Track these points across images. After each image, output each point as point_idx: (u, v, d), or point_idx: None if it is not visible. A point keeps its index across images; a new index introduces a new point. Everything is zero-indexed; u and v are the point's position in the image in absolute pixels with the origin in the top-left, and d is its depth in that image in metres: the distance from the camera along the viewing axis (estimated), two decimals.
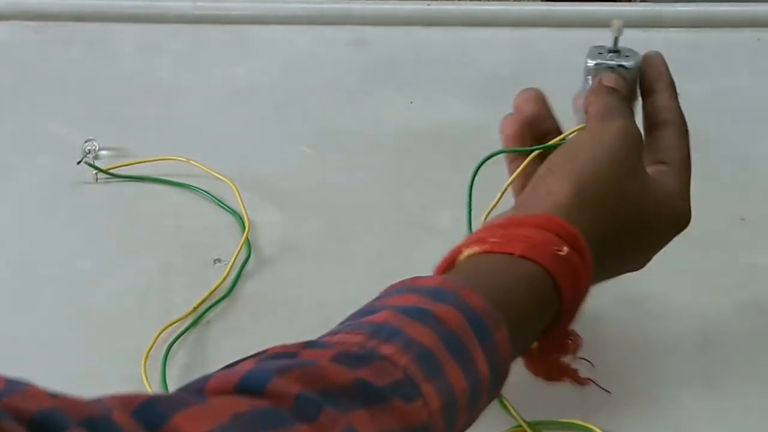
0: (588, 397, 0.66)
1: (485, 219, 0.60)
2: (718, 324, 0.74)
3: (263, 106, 0.98)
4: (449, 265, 0.53)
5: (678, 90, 0.63)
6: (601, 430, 0.64)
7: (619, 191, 0.55)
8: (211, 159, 0.86)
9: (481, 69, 1.04)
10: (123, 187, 0.87)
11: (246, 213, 0.81)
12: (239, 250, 0.78)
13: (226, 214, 0.83)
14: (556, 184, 0.54)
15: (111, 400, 0.36)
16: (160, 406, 0.36)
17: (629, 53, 0.62)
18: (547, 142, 0.61)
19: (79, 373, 0.69)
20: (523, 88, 0.63)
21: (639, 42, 0.64)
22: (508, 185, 0.61)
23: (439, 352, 0.44)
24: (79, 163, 0.86)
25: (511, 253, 0.50)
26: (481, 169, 0.61)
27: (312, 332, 0.46)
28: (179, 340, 0.71)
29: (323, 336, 0.45)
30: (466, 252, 0.52)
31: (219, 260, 0.78)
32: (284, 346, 0.43)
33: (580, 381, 0.56)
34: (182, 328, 0.72)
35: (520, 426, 0.64)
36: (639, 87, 0.63)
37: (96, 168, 0.86)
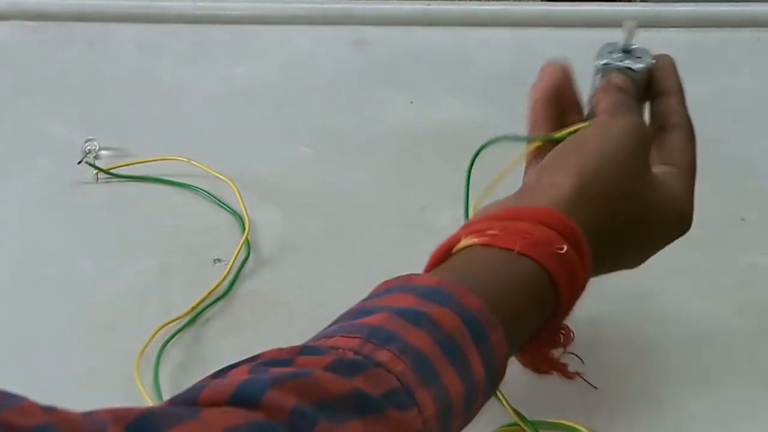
0: (588, 396, 0.66)
1: (481, 202, 0.59)
2: (718, 324, 0.74)
3: (263, 106, 0.98)
4: (446, 253, 0.52)
5: None
6: (588, 430, 0.64)
7: (623, 188, 0.54)
8: (212, 159, 0.86)
9: (481, 69, 1.04)
10: (123, 187, 0.87)
11: (246, 213, 0.81)
12: (239, 250, 0.78)
13: (226, 214, 0.83)
14: (559, 176, 0.54)
15: (105, 413, 0.36)
16: (154, 420, 0.36)
17: (641, 54, 0.62)
18: (565, 117, 0.60)
19: (79, 372, 0.69)
20: (550, 61, 0.62)
21: (639, 42, 0.64)
22: (503, 175, 0.60)
23: (434, 357, 0.43)
24: (79, 163, 0.87)
25: (510, 249, 0.50)
26: (482, 166, 0.60)
27: (310, 332, 0.46)
28: (175, 339, 0.71)
29: (319, 337, 0.45)
30: (464, 242, 0.52)
31: (219, 260, 0.78)
32: (279, 351, 0.42)
33: (568, 375, 0.56)
34: (178, 327, 0.72)
35: (515, 425, 0.63)
36: (648, 88, 0.62)
37: (96, 168, 0.86)
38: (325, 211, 0.84)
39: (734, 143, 0.91)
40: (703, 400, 0.68)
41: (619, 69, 0.61)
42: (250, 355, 0.43)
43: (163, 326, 0.71)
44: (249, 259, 0.78)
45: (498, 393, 0.62)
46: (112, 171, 0.87)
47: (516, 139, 0.60)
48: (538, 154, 0.59)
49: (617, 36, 0.63)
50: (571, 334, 0.54)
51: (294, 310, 0.74)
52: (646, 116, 0.63)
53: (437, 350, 0.44)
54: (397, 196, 0.86)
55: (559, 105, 0.60)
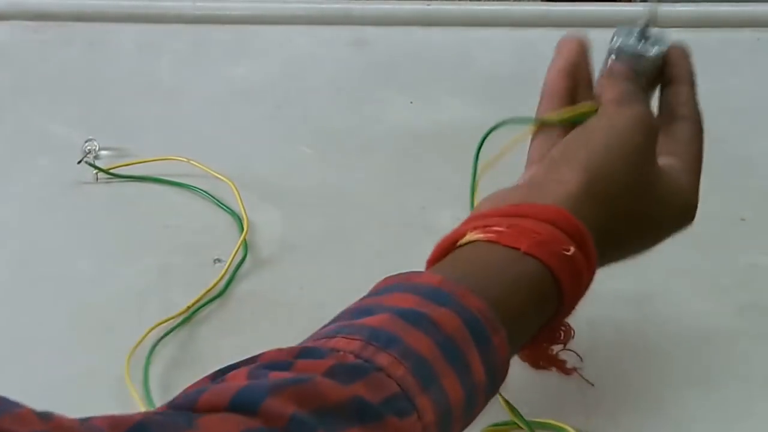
0: (588, 396, 0.67)
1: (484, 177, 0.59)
2: (718, 324, 0.74)
3: (263, 106, 0.98)
4: (450, 246, 0.52)
5: None
6: (575, 430, 0.64)
7: (629, 183, 0.54)
8: (212, 159, 0.86)
9: (481, 69, 1.04)
10: (123, 187, 0.87)
11: (245, 213, 0.81)
12: (236, 250, 0.78)
13: (225, 214, 0.83)
14: (567, 173, 0.53)
15: (101, 420, 0.35)
16: (150, 429, 0.35)
17: (657, 39, 0.61)
18: (578, 92, 0.60)
19: (79, 372, 0.69)
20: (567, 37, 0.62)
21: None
22: (505, 152, 0.59)
23: (435, 361, 0.43)
24: (79, 162, 0.87)
25: (516, 248, 0.49)
26: (487, 154, 0.60)
27: (309, 333, 0.46)
28: (169, 338, 0.71)
29: (319, 337, 0.44)
30: (469, 237, 0.51)
31: (219, 260, 0.78)
32: (279, 352, 0.42)
33: (566, 371, 0.56)
34: (171, 327, 0.72)
35: (509, 423, 0.63)
36: (659, 75, 0.61)
37: (96, 168, 0.86)
38: (325, 211, 0.84)
39: (734, 143, 0.91)
40: (703, 400, 0.68)
41: (632, 53, 0.60)
42: (246, 356, 0.43)
43: (156, 326, 0.71)
44: (246, 259, 0.78)
45: (501, 396, 0.62)
46: (112, 171, 0.87)
47: (524, 121, 0.59)
48: (542, 132, 0.59)
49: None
50: (571, 331, 0.54)
51: (293, 310, 0.74)
52: (654, 102, 0.62)
53: (438, 353, 0.43)
54: (397, 196, 0.86)
55: (574, 80, 0.60)
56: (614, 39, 0.61)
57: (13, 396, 0.65)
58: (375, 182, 0.88)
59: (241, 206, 0.82)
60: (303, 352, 0.42)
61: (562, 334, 0.54)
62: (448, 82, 1.02)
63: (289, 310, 0.74)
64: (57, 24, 1.08)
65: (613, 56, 0.61)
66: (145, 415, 0.36)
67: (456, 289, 0.46)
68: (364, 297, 0.48)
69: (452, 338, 0.44)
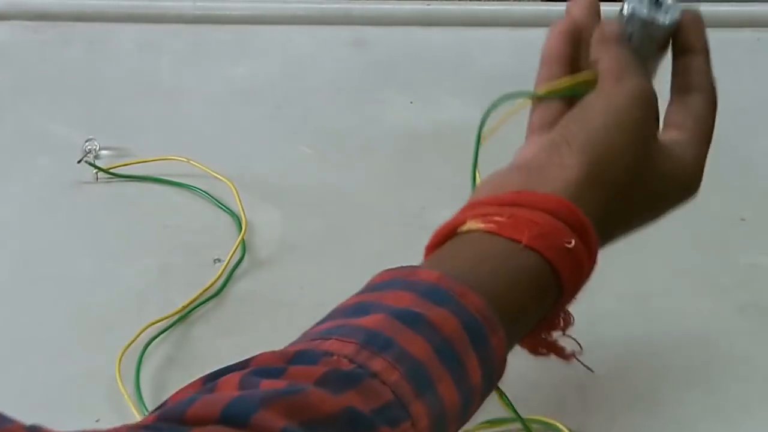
0: (588, 396, 0.67)
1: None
2: (718, 324, 0.74)
3: (263, 106, 0.98)
4: (449, 233, 0.51)
5: None
6: (567, 428, 0.64)
7: (630, 163, 0.53)
8: (211, 159, 0.86)
9: (481, 69, 1.04)
10: (123, 186, 0.87)
11: (244, 213, 0.81)
12: (234, 251, 0.78)
13: (225, 214, 0.83)
14: (567, 157, 0.52)
15: None
16: None
17: (670, 6, 0.58)
18: (582, 55, 0.58)
19: (79, 372, 0.69)
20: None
21: None
22: (504, 120, 0.58)
23: (431, 365, 0.43)
24: (79, 162, 0.87)
25: (516, 240, 0.49)
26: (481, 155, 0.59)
27: None
28: (164, 337, 0.71)
29: (314, 337, 0.43)
30: (469, 225, 0.50)
31: (219, 260, 0.78)
32: (271, 357, 0.41)
33: (565, 357, 0.55)
34: (165, 327, 0.72)
35: (504, 420, 0.63)
36: (672, 45, 0.59)
37: (96, 167, 0.86)
38: (325, 211, 0.84)
39: (734, 143, 0.91)
40: (703, 400, 0.68)
41: (645, 20, 0.57)
42: (241, 356, 0.42)
43: (150, 325, 0.71)
44: (244, 259, 0.78)
45: (500, 392, 0.61)
46: (111, 171, 0.87)
47: (526, 95, 0.58)
48: (543, 100, 0.58)
49: None
50: (571, 318, 0.53)
51: (291, 310, 0.74)
52: (657, 80, 0.60)
53: (434, 356, 0.43)
54: (397, 196, 0.86)
55: (576, 44, 0.58)
56: (626, 5, 0.58)
57: (12, 395, 0.65)
58: (375, 182, 0.88)
59: (239, 206, 0.82)
60: (296, 356, 0.41)
61: (562, 321, 0.53)
62: (448, 82, 1.02)
63: (287, 311, 0.74)
64: (57, 24, 1.08)
65: (623, 23, 0.58)
66: (133, 427, 0.36)
67: (455, 287, 0.46)
68: (361, 292, 0.48)
69: (449, 340, 0.44)
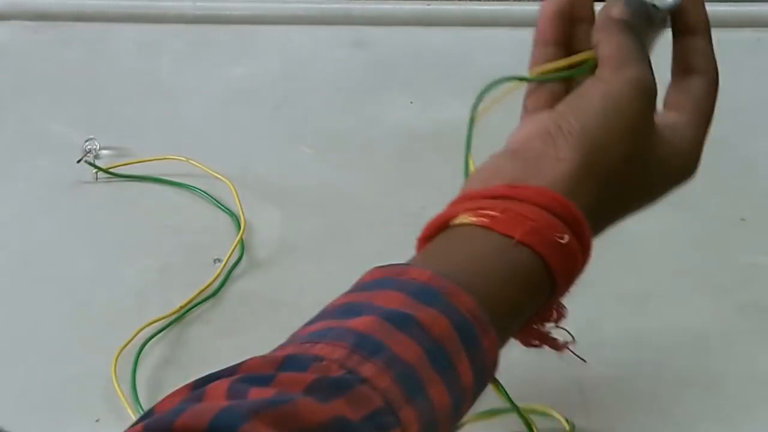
0: (587, 395, 0.66)
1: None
2: (718, 324, 0.74)
3: (263, 106, 0.98)
4: (442, 226, 0.51)
5: None
6: (561, 416, 0.64)
7: (627, 153, 0.52)
8: (211, 159, 0.86)
9: (481, 69, 1.04)
10: (123, 186, 0.87)
11: (243, 213, 0.81)
12: (232, 251, 0.78)
13: (225, 214, 0.83)
14: (563, 148, 0.51)
15: None
16: None
17: None
18: (578, 30, 0.57)
19: (79, 371, 0.69)
20: None
21: None
22: (501, 98, 0.58)
23: (421, 369, 0.42)
24: (79, 161, 0.86)
25: (509, 236, 0.48)
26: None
27: None
28: (161, 337, 0.71)
29: (303, 339, 0.43)
30: (462, 219, 0.50)
31: (219, 260, 0.78)
32: (261, 362, 0.41)
33: (558, 347, 0.54)
34: (161, 327, 0.72)
35: (495, 411, 0.63)
36: (672, 25, 0.57)
37: (96, 167, 0.86)
38: (324, 211, 0.84)
39: (734, 143, 0.91)
40: (703, 400, 0.68)
41: (644, 2, 0.56)
42: (238, 357, 0.41)
43: (146, 326, 0.71)
44: (242, 259, 0.78)
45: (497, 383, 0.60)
46: (111, 170, 0.87)
47: (520, 79, 0.58)
48: (538, 83, 0.57)
49: None
50: (564, 310, 0.53)
51: (290, 310, 0.74)
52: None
53: (425, 360, 0.42)
54: (397, 196, 0.86)
55: (568, 21, 0.57)
56: None
57: (12, 395, 0.65)
58: (375, 182, 0.88)
59: (238, 206, 0.82)
60: (285, 361, 0.41)
61: (555, 314, 0.52)
62: (448, 82, 1.02)
63: (286, 311, 0.74)
64: (57, 24, 1.08)
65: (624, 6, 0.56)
66: None
67: (446, 287, 0.45)
68: (351, 291, 0.47)
69: (440, 342, 0.43)
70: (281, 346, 0.43)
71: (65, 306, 0.75)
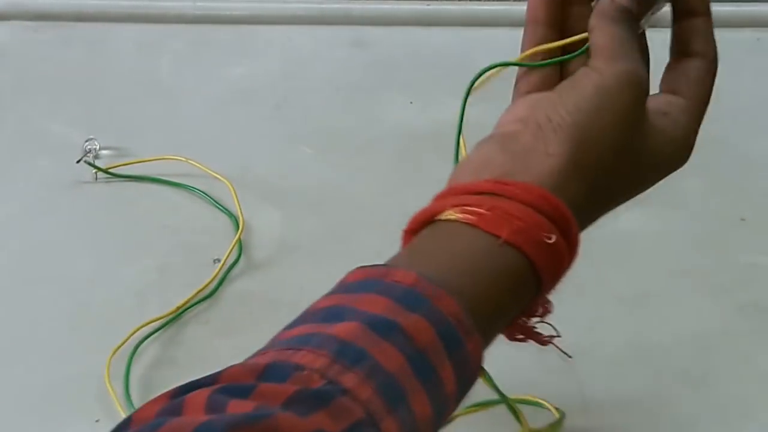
0: (587, 395, 0.66)
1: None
2: (718, 324, 0.74)
3: (263, 106, 0.98)
4: (428, 220, 0.50)
5: None
6: (551, 405, 0.64)
7: (618, 147, 0.52)
8: (211, 159, 0.86)
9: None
10: (122, 186, 0.87)
11: (241, 213, 0.81)
12: (230, 251, 0.78)
13: (224, 215, 0.83)
14: (553, 143, 0.51)
15: None
16: None
17: None
18: (572, 14, 0.56)
19: (78, 371, 0.69)
20: None
21: None
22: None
23: (404, 378, 0.42)
24: (79, 162, 0.87)
25: (496, 235, 0.47)
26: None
27: None
28: (156, 337, 0.72)
29: (284, 346, 0.42)
30: (448, 214, 0.49)
31: (218, 260, 0.78)
32: (241, 371, 0.40)
33: (542, 342, 0.53)
34: (157, 327, 0.72)
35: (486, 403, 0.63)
36: (672, 7, 0.56)
37: (95, 167, 0.86)
38: (324, 211, 0.84)
39: (734, 143, 0.91)
40: (703, 400, 0.68)
41: None
42: (236, 358, 0.41)
43: (142, 326, 0.71)
44: (241, 259, 0.78)
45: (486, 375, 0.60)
46: (111, 171, 0.87)
47: (513, 64, 0.58)
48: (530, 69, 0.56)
49: None
50: (550, 306, 0.52)
51: (289, 310, 0.73)
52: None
53: (407, 368, 0.42)
54: (397, 196, 0.86)
55: (562, 2, 0.57)
56: None
57: (12, 395, 0.65)
58: (374, 182, 0.88)
59: (237, 206, 0.82)
60: (266, 370, 0.40)
61: (541, 309, 0.52)
62: (448, 82, 1.01)
63: (285, 311, 0.73)
64: (57, 24, 1.08)
65: None
66: None
67: (430, 291, 0.44)
68: (334, 291, 0.47)
69: (423, 351, 0.43)
70: (262, 351, 0.43)
71: (65, 306, 0.75)
